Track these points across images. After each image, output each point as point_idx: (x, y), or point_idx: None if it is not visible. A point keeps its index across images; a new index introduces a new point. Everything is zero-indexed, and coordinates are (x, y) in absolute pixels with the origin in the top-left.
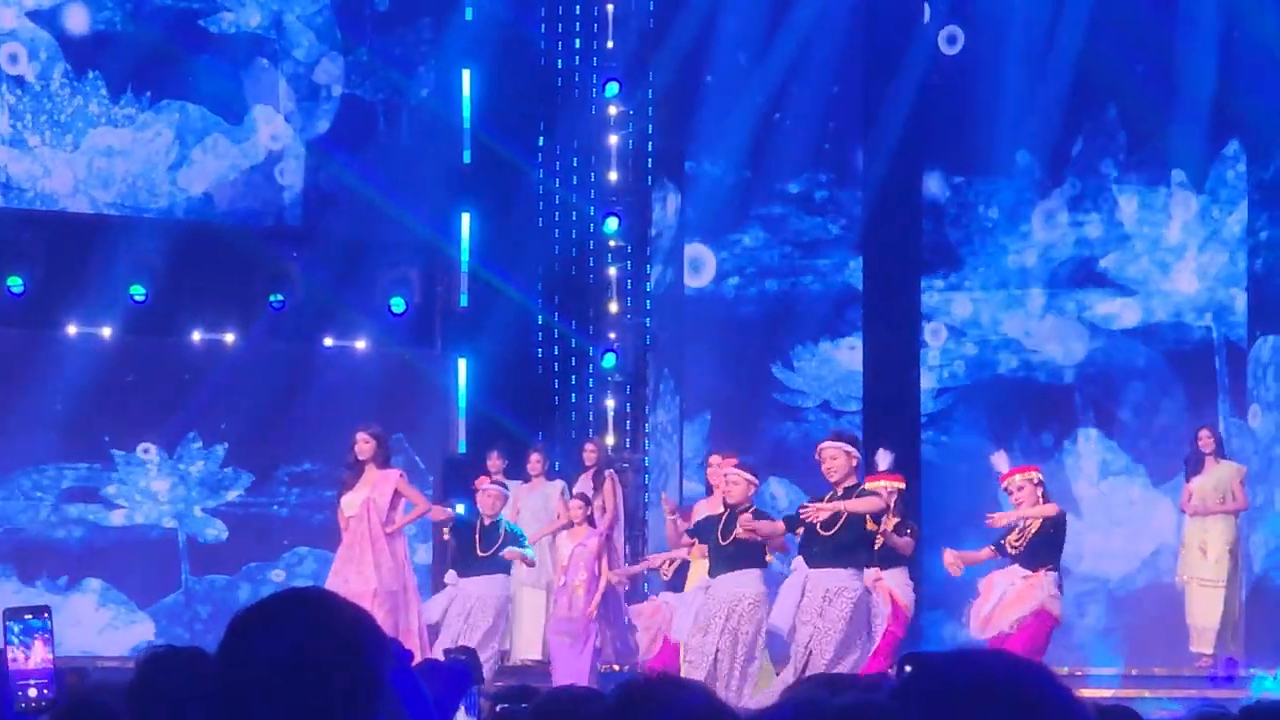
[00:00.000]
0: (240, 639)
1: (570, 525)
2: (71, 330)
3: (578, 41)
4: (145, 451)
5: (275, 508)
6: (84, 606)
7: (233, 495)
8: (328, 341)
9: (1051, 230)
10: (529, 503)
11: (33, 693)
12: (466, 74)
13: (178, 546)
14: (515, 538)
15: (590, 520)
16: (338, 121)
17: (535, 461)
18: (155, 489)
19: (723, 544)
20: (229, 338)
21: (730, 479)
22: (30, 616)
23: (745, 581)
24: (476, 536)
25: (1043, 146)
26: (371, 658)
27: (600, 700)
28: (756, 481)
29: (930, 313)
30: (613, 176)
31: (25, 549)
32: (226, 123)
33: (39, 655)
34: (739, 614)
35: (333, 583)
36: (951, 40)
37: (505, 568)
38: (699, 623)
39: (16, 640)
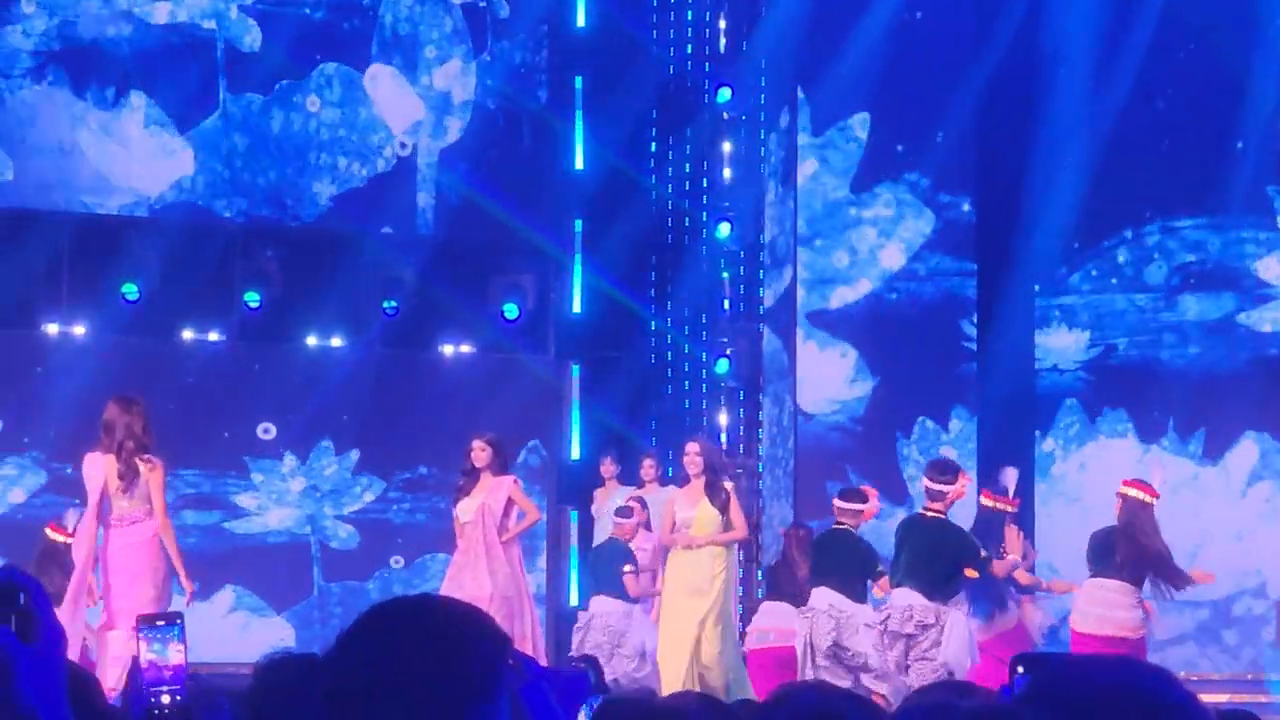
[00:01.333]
0: (355, 646)
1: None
2: (186, 336)
3: (689, 47)
4: (279, 458)
5: (395, 512)
6: (215, 612)
7: (365, 501)
8: (442, 348)
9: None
10: None
11: (165, 699)
12: (579, 81)
13: (310, 552)
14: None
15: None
16: (446, 129)
17: (648, 467)
18: (288, 495)
19: None
20: (336, 341)
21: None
22: (163, 623)
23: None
24: None
25: None
26: (491, 665)
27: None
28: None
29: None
30: (726, 182)
31: None
32: (352, 129)
33: (172, 661)
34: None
35: (447, 589)
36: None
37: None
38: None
39: (150, 647)
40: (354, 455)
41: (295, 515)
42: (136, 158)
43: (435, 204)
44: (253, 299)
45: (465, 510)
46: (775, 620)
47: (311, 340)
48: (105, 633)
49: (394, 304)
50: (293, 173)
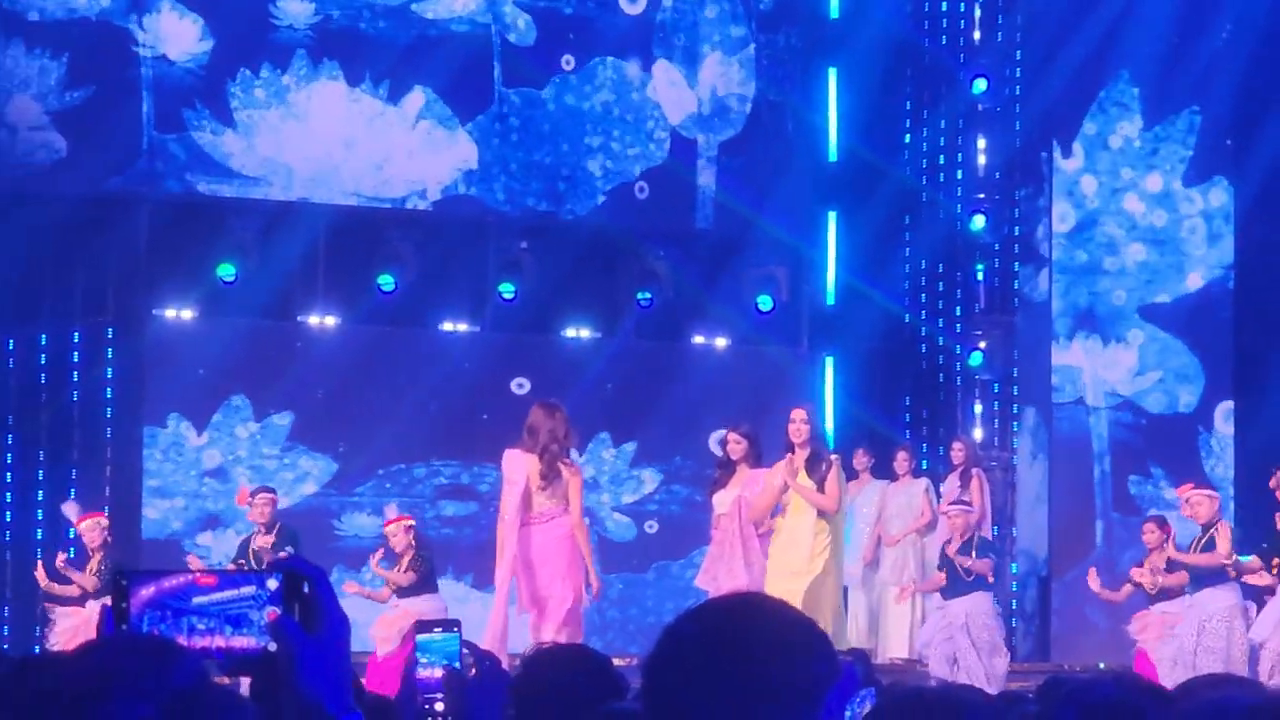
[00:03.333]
0: (683, 645)
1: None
2: (442, 326)
3: (944, 38)
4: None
5: (653, 503)
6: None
7: (642, 493)
8: (695, 339)
9: None
10: (894, 501)
11: (439, 706)
12: (832, 73)
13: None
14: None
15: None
16: (715, 122)
17: (902, 460)
18: None
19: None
20: (585, 333)
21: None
22: (440, 630)
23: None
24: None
25: None
26: (820, 672)
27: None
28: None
29: None
30: (980, 174)
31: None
32: (625, 123)
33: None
34: None
35: (702, 581)
36: None
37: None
38: None
39: (425, 656)
40: (630, 448)
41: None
42: (409, 151)
43: (695, 197)
44: (507, 290)
45: (721, 502)
46: None
47: (566, 331)
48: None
49: (648, 296)
50: (566, 167)
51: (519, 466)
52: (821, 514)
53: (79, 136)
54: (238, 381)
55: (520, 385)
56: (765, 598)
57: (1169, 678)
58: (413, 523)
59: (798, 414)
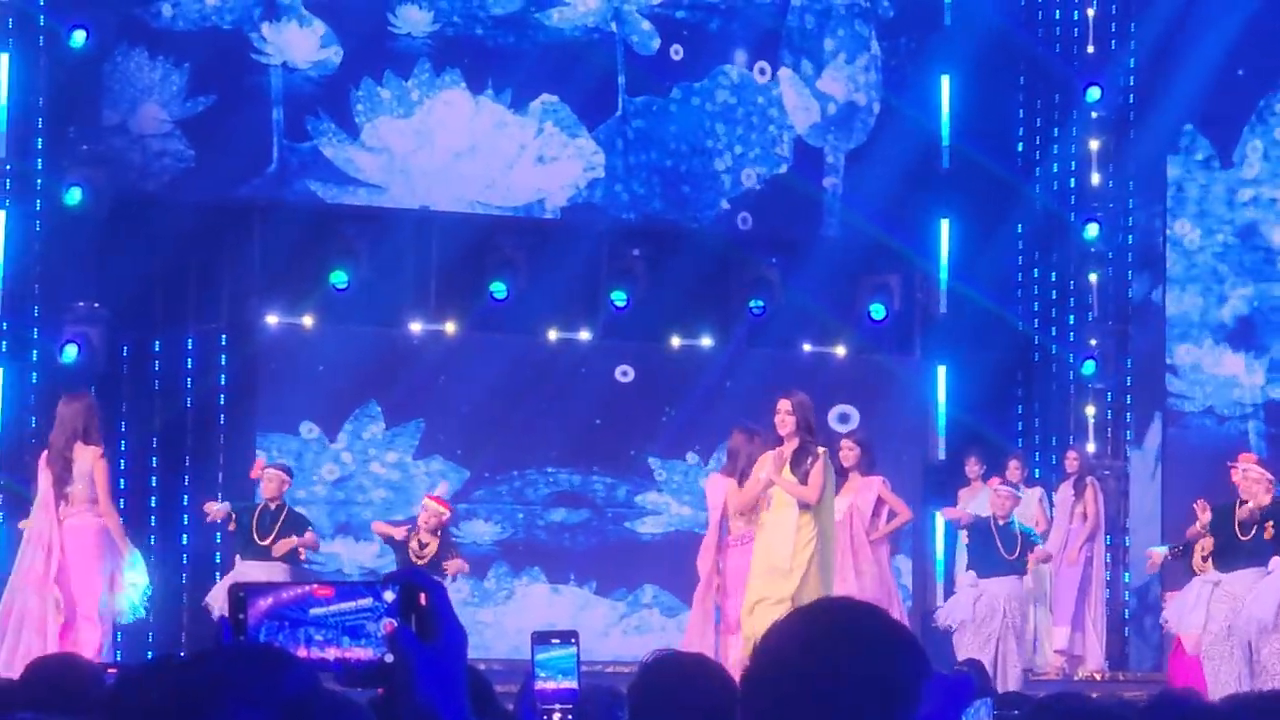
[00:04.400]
0: (781, 646)
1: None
2: (552, 335)
3: (1058, 45)
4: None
5: None
6: (612, 611)
7: None
8: (806, 347)
9: None
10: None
11: (556, 716)
12: (945, 79)
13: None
14: (1026, 538)
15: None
16: (835, 129)
17: (1014, 468)
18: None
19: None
20: (706, 342)
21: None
22: (558, 640)
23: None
24: (994, 533)
25: None
26: (914, 675)
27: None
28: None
29: None
30: (1094, 182)
31: (532, 548)
32: (749, 130)
33: (565, 680)
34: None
35: None
36: None
37: (1020, 568)
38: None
39: (545, 664)
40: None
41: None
42: (532, 158)
43: (813, 205)
44: (619, 298)
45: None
46: None
47: (676, 340)
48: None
49: (761, 304)
50: (689, 174)
51: (718, 490)
52: (804, 507)
53: (201, 144)
54: (352, 387)
55: (625, 373)
56: (856, 602)
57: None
58: (448, 514)
59: (782, 404)
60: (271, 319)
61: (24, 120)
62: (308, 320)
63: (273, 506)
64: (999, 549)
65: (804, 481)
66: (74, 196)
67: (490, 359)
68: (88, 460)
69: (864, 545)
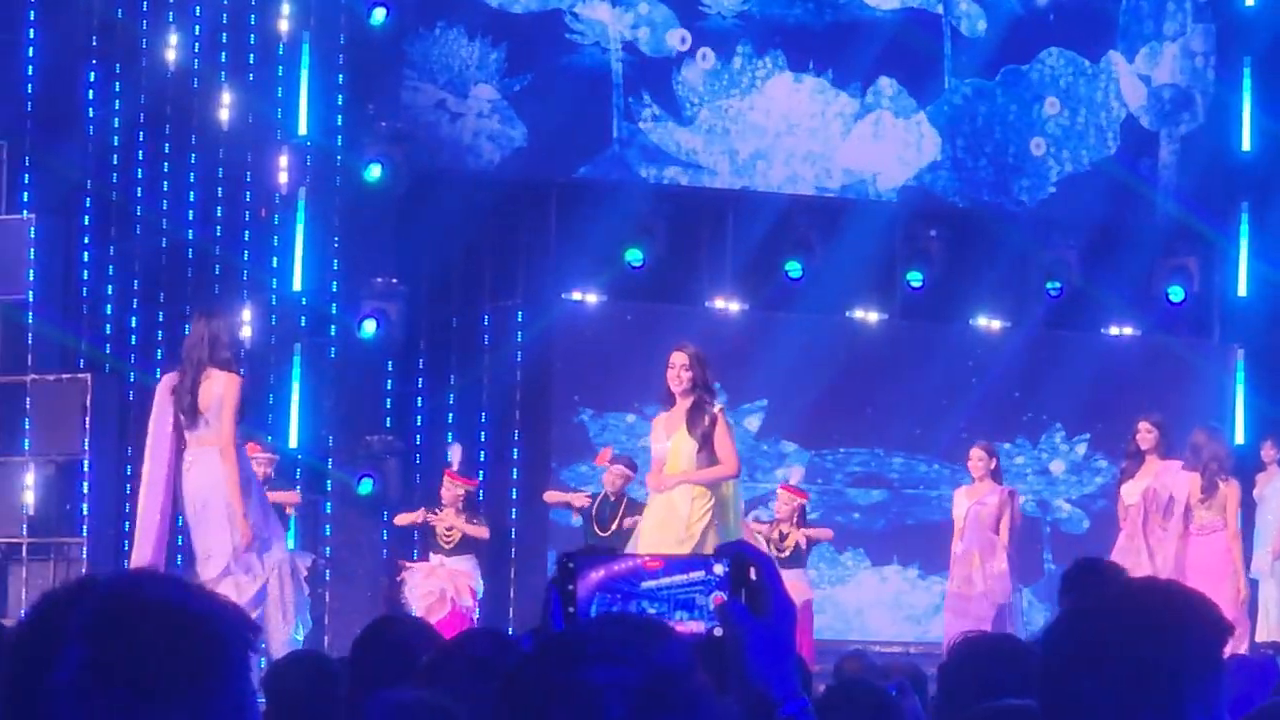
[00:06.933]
0: (1072, 625)
1: None
2: (850, 314)
3: None
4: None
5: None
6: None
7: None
8: (1109, 329)
9: None
10: None
11: None
12: (1247, 62)
13: (1041, 533)
14: None
15: (995, 475)
16: (1151, 112)
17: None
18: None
19: None
20: (996, 324)
21: None
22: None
23: None
24: None
25: None
26: (1210, 647)
27: None
28: None
29: None
30: None
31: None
32: (1074, 114)
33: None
34: None
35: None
36: None
37: None
38: None
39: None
40: (1084, 441)
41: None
42: (857, 140)
43: (1120, 189)
44: (915, 278)
45: (1129, 493)
46: None
47: (974, 320)
48: None
49: (1058, 286)
50: (1013, 158)
51: (1181, 483)
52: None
53: (515, 122)
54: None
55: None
56: (1160, 581)
57: None
58: (803, 500)
59: (677, 358)
60: (569, 296)
61: (324, 98)
62: (600, 297)
63: (613, 498)
64: None
65: (704, 445)
66: (373, 173)
67: (783, 338)
68: None
69: (1156, 529)
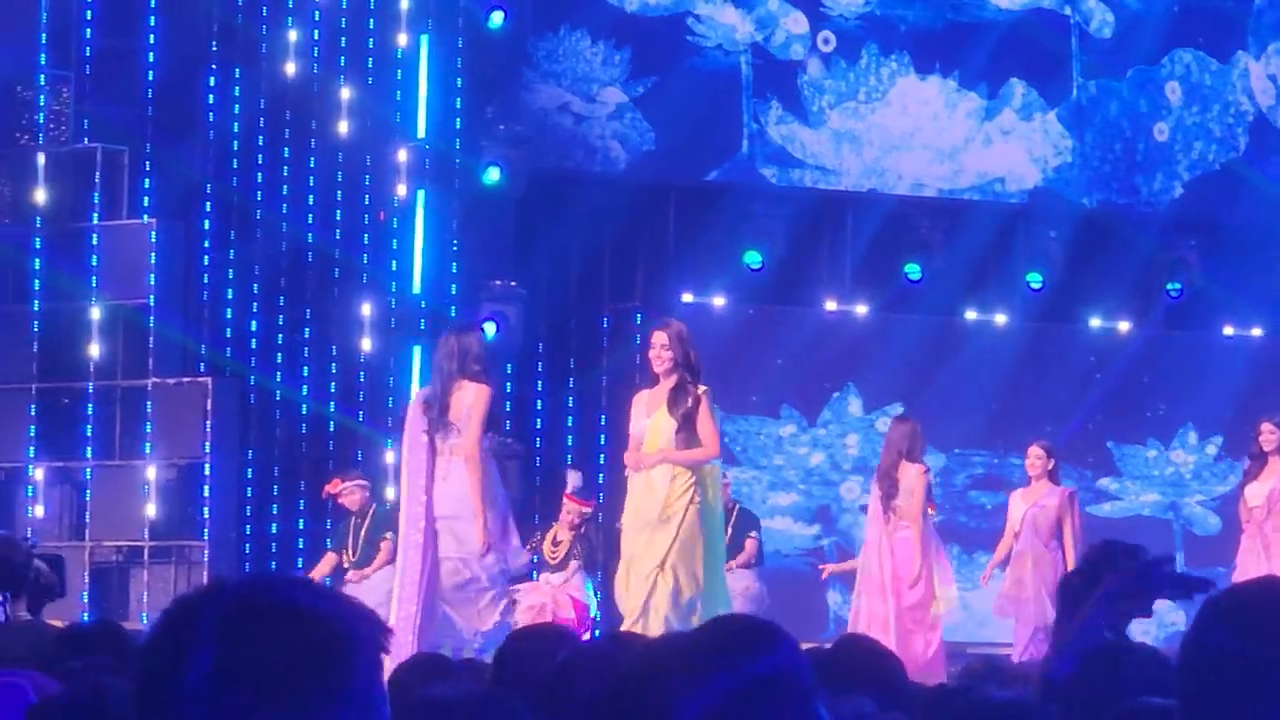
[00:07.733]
0: (1210, 628)
1: None
2: (970, 316)
3: None
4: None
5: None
6: None
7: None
8: (1227, 330)
9: None
10: None
11: None
12: None
13: (1173, 535)
14: None
15: (1053, 476)
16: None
17: None
18: (1152, 477)
19: None
20: (1114, 324)
21: None
22: None
23: None
24: None
25: None
26: None
27: None
28: None
29: None
30: None
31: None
32: (1205, 114)
33: None
34: None
35: (1235, 576)
36: None
37: None
38: None
39: None
40: (1217, 441)
41: (1157, 499)
42: (984, 140)
43: (1245, 188)
44: (1035, 280)
45: (1254, 495)
46: None
47: (1095, 321)
48: None
49: (1178, 286)
50: (1142, 156)
51: None
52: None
53: (645, 126)
54: (770, 365)
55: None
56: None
57: None
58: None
59: (658, 337)
60: (687, 297)
61: (443, 101)
62: (721, 299)
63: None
64: None
65: (684, 425)
66: (491, 176)
67: (906, 340)
68: (912, 477)
69: (1277, 530)
